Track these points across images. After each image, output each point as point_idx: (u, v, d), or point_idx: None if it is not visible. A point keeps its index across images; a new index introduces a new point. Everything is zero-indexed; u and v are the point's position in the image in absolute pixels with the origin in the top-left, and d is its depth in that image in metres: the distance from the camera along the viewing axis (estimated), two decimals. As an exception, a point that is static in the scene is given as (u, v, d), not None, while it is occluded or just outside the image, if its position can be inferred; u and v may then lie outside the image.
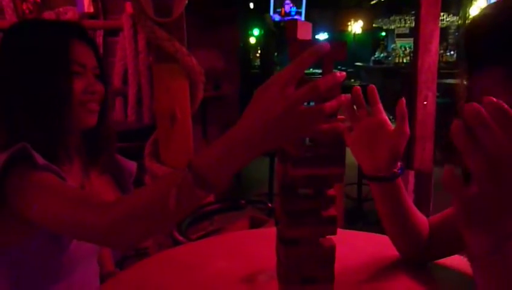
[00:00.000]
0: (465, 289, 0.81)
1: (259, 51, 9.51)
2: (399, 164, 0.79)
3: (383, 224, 0.88)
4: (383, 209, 0.84)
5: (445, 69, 7.55)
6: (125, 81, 4.01)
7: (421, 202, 1.88)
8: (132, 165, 1.17)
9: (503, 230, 0.43)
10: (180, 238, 1.32)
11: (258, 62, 9.02)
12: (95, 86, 0.97)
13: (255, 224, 1.51)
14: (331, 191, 0.64)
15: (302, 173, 0.60)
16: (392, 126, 0.78)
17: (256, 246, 1.05)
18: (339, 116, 0.61)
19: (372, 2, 11.34)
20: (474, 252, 0.47)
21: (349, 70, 9.32)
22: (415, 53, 1.82)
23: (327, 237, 0.65)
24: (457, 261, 0.90)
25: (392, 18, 10.41)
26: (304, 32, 0.61)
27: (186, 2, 1.51)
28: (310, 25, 0.65)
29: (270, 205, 1.60)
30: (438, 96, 6.18)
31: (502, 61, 0.55)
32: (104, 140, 1.06)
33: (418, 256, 0.89)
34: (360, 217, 3.59)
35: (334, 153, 0.61)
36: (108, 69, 4.01)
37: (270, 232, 1.18)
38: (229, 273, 0.91)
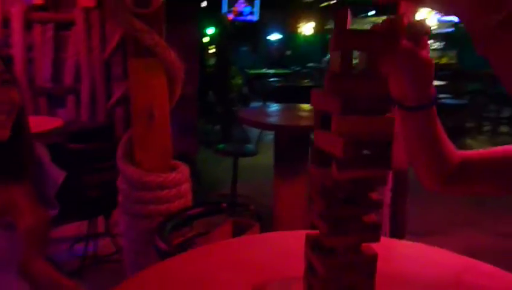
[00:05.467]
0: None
1: (211, 50, 9.39)
2: (433, 90, 0.75)
3: (414, 155, 0.83)
4: (418, 140, 0.80)
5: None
6: (77, 78, 3.79)
7: (398, 199, 1.91)
8: (58, 175, 1.06)
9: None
10: (163, 245, 1.23)
11: (212, 61, 8.91)
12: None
13: (238, 228, 1.44)
14: (375, 195, 0.59)
15: (347, 176, 0.55)
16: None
17: (259, 253, 0.99)
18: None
19: (321, 5, 11.59)
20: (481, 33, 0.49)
21: (303, 70, 9.45)
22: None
23: (368, 244, 0.60)
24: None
25: (343, 20, 10.66)
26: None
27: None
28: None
29: (252, 207, 1.54)
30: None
31: None
32: (18, 154, 0.92)
33: (439, 185, 0.85)
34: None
35: (382, 153, 0.56)
36: (59, 65, 3.77)
37: (269, 238, 1.13)
38: (238, 284, 0.85)
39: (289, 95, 6.95)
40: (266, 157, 4.11)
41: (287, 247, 0.96)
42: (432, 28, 0.70)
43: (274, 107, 4.22)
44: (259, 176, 4.47)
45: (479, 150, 0.86)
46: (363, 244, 0.60)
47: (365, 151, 0.56)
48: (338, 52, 0.55)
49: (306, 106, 3.61)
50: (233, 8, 10.30)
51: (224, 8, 10.02)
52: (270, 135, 6.01)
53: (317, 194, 0.59)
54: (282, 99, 6.38)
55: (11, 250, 0.89)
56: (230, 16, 10.13)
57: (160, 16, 1.47)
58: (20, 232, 0.88)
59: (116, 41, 3.63)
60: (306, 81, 8.19)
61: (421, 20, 0.61)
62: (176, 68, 1.49)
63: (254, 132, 6.36)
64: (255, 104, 7.68)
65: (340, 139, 0.54)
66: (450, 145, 0.83)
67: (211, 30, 8.45)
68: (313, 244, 0.62)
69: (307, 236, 0.64)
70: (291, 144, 3.03)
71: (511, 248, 3.01)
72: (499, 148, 0.83)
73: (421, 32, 0.62)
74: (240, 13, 10.43)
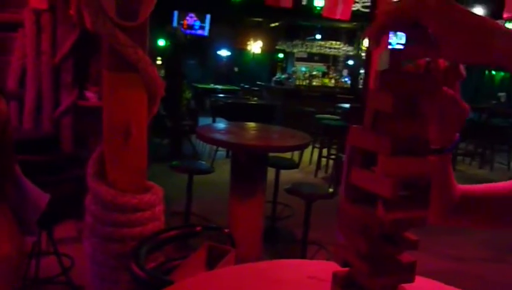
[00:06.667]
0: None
1: (158, 62, 9.22)
2: (457, 136, 0.77)
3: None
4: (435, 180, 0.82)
5: (341, 94, 8.15)
6: (22, 83, 3.54)
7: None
8: (42, 198, 0.96)
9: None
10: (140, 272, 1.15)
11: (161, 73, 8.74)
12: None
13: (213, 253, 1.39)
14: (411, 235, 0.59)
15: (394, 217, 0.55)
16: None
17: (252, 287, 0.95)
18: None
19: (271, 25, 11.83)
20: None
21: (252, 88, 9.53)
22: (365, 76, 1.92)
23: (402, 285, 0.60)
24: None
25: (294, 42, 10.94)
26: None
27: (154, 4, 1.34)
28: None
29: (227, 231, 1.50)
30: (337, 120, 6.56)
31: None
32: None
33: (441, 219, 0.86)
34: (277, 236, 3.62)
35: (423, 194, 0.56)
36: (2, 68, 3.51)
37: (257, 269, 1.08)
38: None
39: (238, 112, 6.98)
40: (217, 174, 4.07)
41: (277, 278, 0.94)
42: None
43: (228, 124, 4.20)
44: (212, 194, 4.40)
45: (477, 185, 0.90)
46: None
47: (405, 193, 0.56)
48: (385, 92, 0.54)
49: (254, 125, 3.66)
50: (183, 21, 10.23)
51: (174, 21, 9.93)
52: (220, 152, 5.97)
53: (357, 233, 0.58)
54: (231, 116, 6.39)
55: None
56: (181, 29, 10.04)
57: (144, 29, 1.41)
58: None
59: (69, 46, 3.46)
60: (255, 99, 8.26)
61: (456, 64, 0.63)
62: (157, 85, 1.42)
63: (201, 146, 6.29)
64: (203, 119, 7.61)
65: (389, 180, 0.53)
66: (454, 181, 0.86)
67: (161, 42, 8.32)
68: (344, 284, 0.61)
69: (335, 274, 0.63)
70: (250, 164, 3.03)
71: (463, 269, 3.19)
72: (498, 184, 0.87)
73: (457, 77, 0.63)
74: (190, 27, 10.37)
